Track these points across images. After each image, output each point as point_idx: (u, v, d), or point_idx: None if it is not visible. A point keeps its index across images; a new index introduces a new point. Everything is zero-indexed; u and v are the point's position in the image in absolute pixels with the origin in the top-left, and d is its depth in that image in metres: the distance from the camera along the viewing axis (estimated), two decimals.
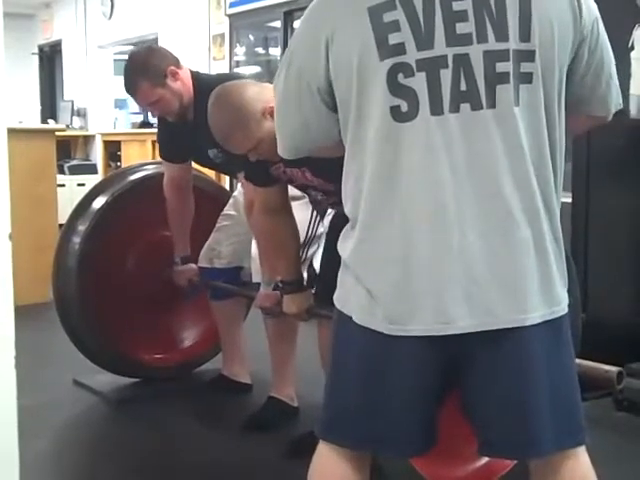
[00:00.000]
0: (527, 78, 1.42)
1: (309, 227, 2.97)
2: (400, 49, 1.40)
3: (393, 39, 1.40)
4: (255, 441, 2.92)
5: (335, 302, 1.57)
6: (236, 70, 7.16)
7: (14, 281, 1.48)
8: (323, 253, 2.76)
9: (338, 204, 1.79)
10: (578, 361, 1.87)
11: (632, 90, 3.38)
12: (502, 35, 1.41)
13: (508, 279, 1.42)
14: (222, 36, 7.29)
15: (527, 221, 1.43)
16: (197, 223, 3.43)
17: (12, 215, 1.47)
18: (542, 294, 1.45)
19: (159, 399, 3.40)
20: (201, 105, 3.05)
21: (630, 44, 3.34)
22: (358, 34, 1.42)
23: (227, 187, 4.73)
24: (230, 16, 7.10)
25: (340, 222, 1.64)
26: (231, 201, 3.45)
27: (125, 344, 3.49)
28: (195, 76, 3.12)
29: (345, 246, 1.53)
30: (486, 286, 1.41)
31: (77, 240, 3.35)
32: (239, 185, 3.40)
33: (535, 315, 1.44)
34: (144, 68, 3.00)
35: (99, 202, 3.41)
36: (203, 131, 3.04)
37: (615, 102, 1.59)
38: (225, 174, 4.13)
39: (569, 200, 3.32)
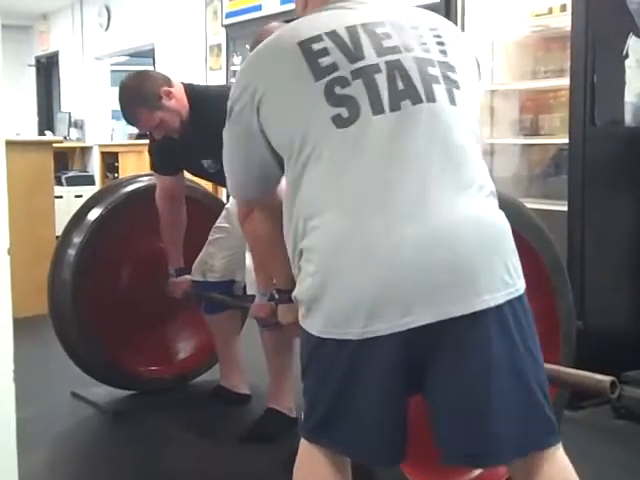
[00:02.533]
0: (456, 84, 1.54)
1: None
2: (333, 67, 1.51)
3: (324, 62, 1.51)
4: (254, 452, 2.92)
5: (301, 323, 1.56)
6: (233, 80, 7.18)
7: (12, 293, 1.48)
8: None
9: None
10: (571, 371, 1.88)
11: (627, 98, 3.39)
12: (425, 48, 1.55)
13: (461, 264, 1.41)
14: (219, 46, 7.31)
15: (472, 202, 1.46)
16: (191, 233, 3.43)
17: (10, 227, 1.48)
18: (496, 276, 1.44)
19: (157, 411, 3.40)
20: (197, 116, 3.06)
21: (624, 52, 3.36)
22: (292, 67, 1.53)
23: (224, 199, 4.72)
24: (227, 27, 7.12)
25: None
26: (224, 213, 3.44)
27: (121, 356, 3.48)
28: (189, 89, 3.13)
29: (303, 277, 1.53)
30: (441, 275, 1.40)
31: (72, 252, 3.35)
32: (232, 197, 3.40)
33: (497, 296, 1.43)
34: (138, 96, 3.02)
35: (94, 214, 3.42)
36: (197, 141, 3.06)
37: None
38: (220, 185, 4.13)
39: (565, 208, 3.34)
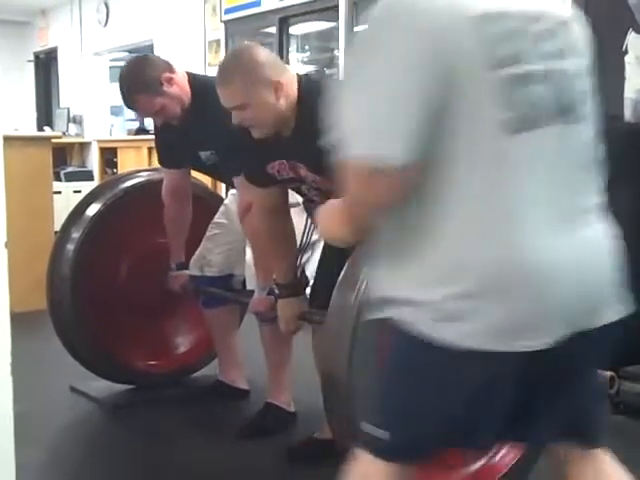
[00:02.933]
0: (590, 100, 1.52)
1: (304, 234, 2.97)
2: (509, 61, 1.37)
3: (501, 50, 1.37)
4: (253, 447, 2.92)
5: (424, 329, 1.41)
6: None
7: (11, 288, 1.48)
8: (320, 260, 2.76)
9: None
10: None
11: (626, 93, 3.39)
12: (572, 52, 1.50)
13: (603, 283, 1.50)
14: (218, 42, 7.31)
15: (601, 223, 1.57)
16: (189, 229, 3.41)
17: (8, 222, 1.48)
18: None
19: (156, 405, 3.40)
20: (197, 106, 3.06)
21: (624, 48, 3.36)
22: (462, 42, 1.34)
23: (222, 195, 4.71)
24: (225, 22, 7.11)
25: None
26: (222, 209, 3.43)
27: (119, 351, 3.49)
28: (192, 78, 3.12)
29: (436, 284, 1.40)
30: (588, 293, 1.46)
31: (71, 247, 3.35)
32: (230, 193, 3.40)
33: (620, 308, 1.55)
34: (139, 82, 2.99)
35: (93, 209, 3.41)
36: (196, 132, 3.05)
37: None
38: (218, 179, 4.12)
39: None
